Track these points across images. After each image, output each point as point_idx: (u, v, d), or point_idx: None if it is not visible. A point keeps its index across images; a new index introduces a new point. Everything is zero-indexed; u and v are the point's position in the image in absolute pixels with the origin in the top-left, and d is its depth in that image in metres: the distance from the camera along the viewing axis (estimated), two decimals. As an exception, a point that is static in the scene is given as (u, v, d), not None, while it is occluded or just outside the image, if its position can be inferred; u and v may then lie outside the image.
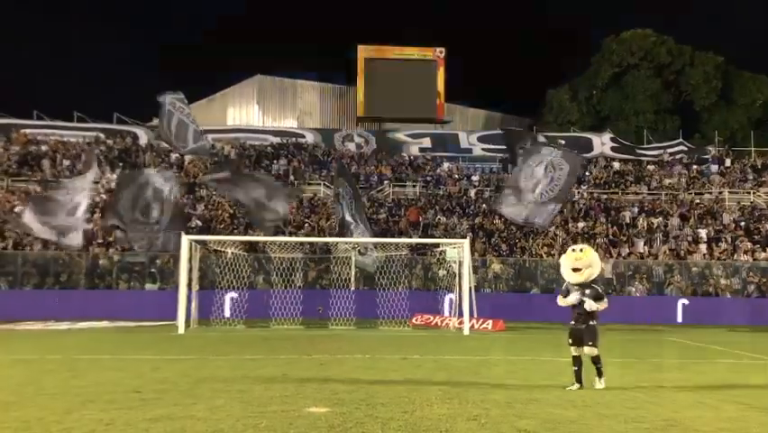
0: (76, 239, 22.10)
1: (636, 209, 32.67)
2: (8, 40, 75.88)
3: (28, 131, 36.64)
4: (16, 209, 24.20)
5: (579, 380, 9.75)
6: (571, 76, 52.16)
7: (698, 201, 33.81)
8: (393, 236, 27.44)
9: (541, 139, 34.70)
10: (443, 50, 44.66)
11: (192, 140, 24.32)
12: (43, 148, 34.85)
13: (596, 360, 9.81)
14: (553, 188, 22.45)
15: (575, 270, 9.74)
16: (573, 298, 9.76)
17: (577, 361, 9.82)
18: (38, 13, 79.02)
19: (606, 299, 9.81)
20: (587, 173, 36.86)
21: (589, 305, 9.62)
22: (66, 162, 33.84)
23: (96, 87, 74.96)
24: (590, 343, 9.70)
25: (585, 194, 34.51)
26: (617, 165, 38.38)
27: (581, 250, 9.83)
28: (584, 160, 28.13)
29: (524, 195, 22.52)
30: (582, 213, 32.05)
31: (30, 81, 72.85)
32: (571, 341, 9.88)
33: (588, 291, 9.70)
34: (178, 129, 23.69)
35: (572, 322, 9.91)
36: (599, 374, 9.86)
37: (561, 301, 10.03)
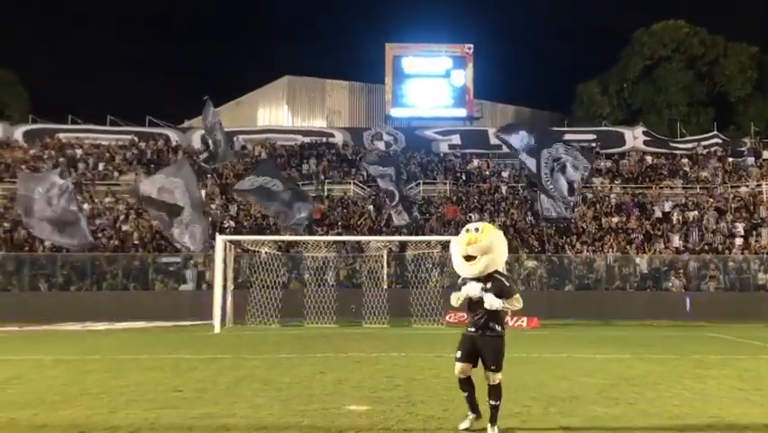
0: (78, 236, 21.91)
1: (671, 204, 32.18)
2: (42, 46, 77.35)
3: (63, 135, 37.35)
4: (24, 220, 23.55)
5: (474, 408, 7.15)
6: (601, 69, 51.59)
7: (734, 194, 33.19)
8: (424, 234, 27.41)
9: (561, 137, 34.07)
10: (471, 46, 44.45)
11: (222, 151, 25.02)
12: (78, 151, 35.46)
13: (496, 393, 6.90)
14: (578, 184, 22.58)
15: (468, 258, 6.84)
16: (469, 289, 6.89)
17: (466, 384, 7.10)
18: (67, 20, 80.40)
19: (519, 296, 6.97)
20: (619, 168, 36.51)
21: (490, 301, 6.75)
22: (100, 165, 34.44)
23: (128, 91, 76.05)
24: (494, 366, 6.87)
25: (618, 189, 34.09)
26: (649, 159, 37.82)
27: (477, 230, 6.84)
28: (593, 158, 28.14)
29: (550, 192, 22.42)
30: (615, 208, 31.68)
31: (64, 86, 74.24)
32: (459, 354, 7.02)
33: (489, 285, 6.83)
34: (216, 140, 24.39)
35: (470, 329, 7.01)
36: (493, 419, 6.88)
37: (453, 299, 7.13)
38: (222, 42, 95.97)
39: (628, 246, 27.88)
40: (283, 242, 23.69)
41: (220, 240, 19.94)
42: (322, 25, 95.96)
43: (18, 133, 37.80)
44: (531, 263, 26.51)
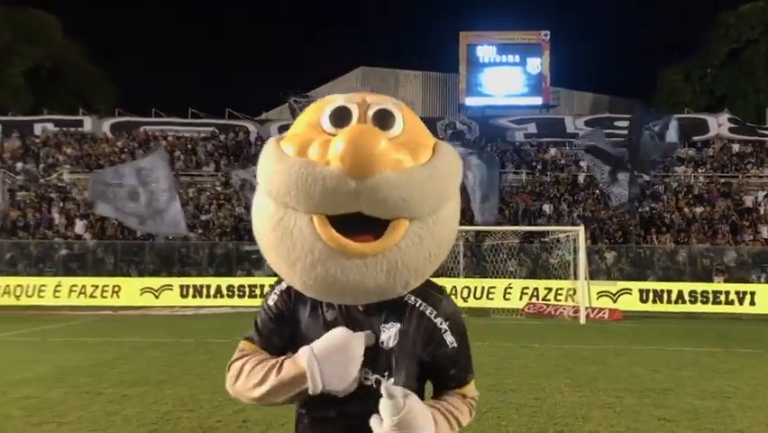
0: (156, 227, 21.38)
1: (759, 193, 30.91)
2: (128, 42, 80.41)
3: (147, 128, 38.81)
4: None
5: None
6: (682, 55, 49.94)
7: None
8: (501, 224, 27.19)
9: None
10: (548, 33, 43.81)
11: None
12: (162, 143, 36.75)
13: None
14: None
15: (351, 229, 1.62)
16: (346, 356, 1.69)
17: None
18: (152, 16, 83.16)
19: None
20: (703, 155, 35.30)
21: (406, 417, 1.61)
22: (182, 157, 35.63)
23: (209, 84, 78.28)
24: None
25: (702, 177, 32.98)
26: (735, 147, 36.39)
27: (384, 118, 1.69)
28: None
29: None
30: (699, 198, 30.67)
31: (148, 80, 76.99)
32: None
33: (407, 330, 1.83)
34: None
35: None
36: None
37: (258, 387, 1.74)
38: (297, 35, 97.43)
39: (713, 237, 26.96)
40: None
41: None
42: (395, 15, 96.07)
43: (106, 126, 39.48)
44: (610, 255, 25.95)
